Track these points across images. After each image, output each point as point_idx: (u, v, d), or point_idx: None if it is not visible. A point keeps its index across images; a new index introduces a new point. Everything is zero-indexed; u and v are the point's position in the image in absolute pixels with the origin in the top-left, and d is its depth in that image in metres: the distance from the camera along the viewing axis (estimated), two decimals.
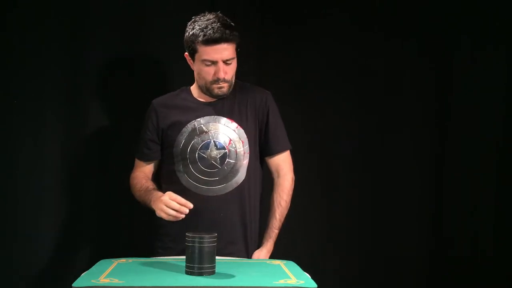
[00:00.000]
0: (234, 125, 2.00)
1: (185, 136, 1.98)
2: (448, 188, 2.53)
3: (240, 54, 2.43)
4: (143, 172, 2.07)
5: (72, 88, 2.34)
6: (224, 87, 1.99)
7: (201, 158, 1.97)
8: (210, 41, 1.90)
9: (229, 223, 1.95)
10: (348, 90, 2.53)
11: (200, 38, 1.92)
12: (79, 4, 2.33)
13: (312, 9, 2.49)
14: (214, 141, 1.97)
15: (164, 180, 2.05)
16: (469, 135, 2.49)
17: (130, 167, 2.38)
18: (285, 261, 1.80)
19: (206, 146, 1.97)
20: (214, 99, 2.03)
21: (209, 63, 1.95)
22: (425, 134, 2.55)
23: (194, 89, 2.08)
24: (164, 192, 1.89)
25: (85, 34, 2.34)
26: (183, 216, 1.77)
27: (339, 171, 2.53)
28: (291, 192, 2.09)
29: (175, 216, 1.78)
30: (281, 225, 2.05)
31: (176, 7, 2.41)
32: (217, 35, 1.90)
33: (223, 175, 1.97)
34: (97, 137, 2.37)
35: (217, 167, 1.97)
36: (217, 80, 1.96)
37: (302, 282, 1.50)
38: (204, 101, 2.04)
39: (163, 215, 1.80)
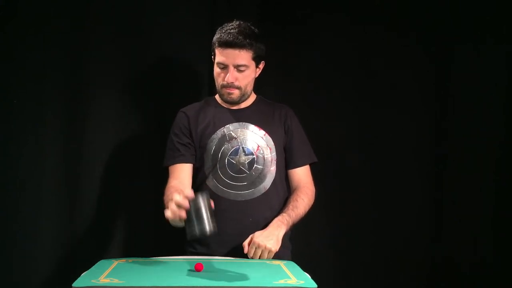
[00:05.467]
0: (262, 132, 2.03)
1: (215, 143, 2.01)
2: (448, 189, 2.53)
3: None
4: (179, 180, 1.98)
5: (72, 88, 2.34)
6: (233, 94, 2.01)
7: (230, 163, 1.99)
8: (223, 44, 1.95)
9: (258, 228, 1.94)
10: (349, 89, 2.54)
11: (217, 41, 1.97)
12: (80, 4, 2.32)
13: (312, 8, 2.49)
14: (242, 147, 2.00)
15: (193, 187, 2.04)
16: (469, 135, 2.49)
17: (130, 167, 2.39)
18: (285, 261, 1.80)
19: (235, 152, 2.00)
20: (241, 106, 2.07)
21: (222, 66, 1.98)
22: (425, 134, 2.55)
23: (219, 98, 2.11)
24: None
25: (85, 34, 2.34)
26: (182, 214, 1.55)
27: (339, 172, 2.53)
28: (310, 202, 2.07)
29: (173, 212, 1.57)
30: (292, 218, 1.96)
31: (177, 7, 2.41)
32: (230, 38, 1.93)
33: (251, 180, 2.00)
34: (97, 136, 2.37)
35: (245, 172, 2.00)
36: (226, 85, 1.99)
37: (302, 282, 1.50)
38: (231, 108, 2.07)
39: (168, 213, 1.61)
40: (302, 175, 2.11)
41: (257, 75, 2.09)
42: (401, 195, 2.54)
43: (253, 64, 2.02)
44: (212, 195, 1.97)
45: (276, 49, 2.43)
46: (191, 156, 2.04)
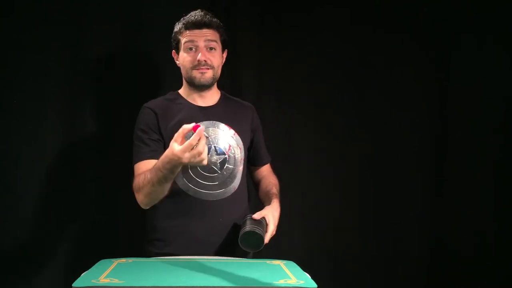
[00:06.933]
0: (231, 131, 2.00)
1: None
2: (448, 189, 2.53)
3: (240, 54, 2.43)
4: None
5: (72, 88, 2.34)
6: (207, 74, 1.98)
7: None
8: (192, 25, 1.96)
9: (226, 228, 1.96)
10: (348, 89, 2.54)
11: (183, 26, 1.98)
12: (79, 4, 2.32)
13: (312, 8, 2.49)
14: (214, 146, 1.95)
15: None
16: (469, 135, 2.49)
17: (130, 166, 2.39)
18: (285, 261, 1.80)
19: (207, 151, 1.96)
20: (209, 103, 2.04)
21: (192, 47, 1.97)
22: (425, 133, 2.55)
23: (184, 93, 2.07)
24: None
25: (85, 34, 2.34)
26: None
27: (338, 171, 2.53)
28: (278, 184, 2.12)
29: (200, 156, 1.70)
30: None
31: (177, 7, 2.40)
32: (198, 18, 1.96)
33: (222, 180, 1.97)
34: (97, 136, 2.37)
35: (216, 172, 1.95)
36: (198, 65, 1.96)
37: (302, 282, 1.50)
38: (199, 105, 2.04)
39: (197, 159, 1.71)
40: (268, 171, 2.18)
41: (221, 64, 2.07)
42: (401, 194, 2.54)
43: (220, 47, 2.01)
44: (182, 195, 1.95)
45: (276, 48, 2.43)
46: (162, 153, 1.93)
